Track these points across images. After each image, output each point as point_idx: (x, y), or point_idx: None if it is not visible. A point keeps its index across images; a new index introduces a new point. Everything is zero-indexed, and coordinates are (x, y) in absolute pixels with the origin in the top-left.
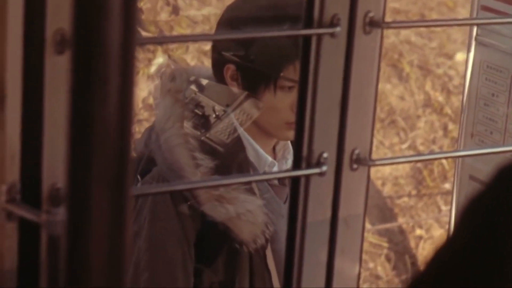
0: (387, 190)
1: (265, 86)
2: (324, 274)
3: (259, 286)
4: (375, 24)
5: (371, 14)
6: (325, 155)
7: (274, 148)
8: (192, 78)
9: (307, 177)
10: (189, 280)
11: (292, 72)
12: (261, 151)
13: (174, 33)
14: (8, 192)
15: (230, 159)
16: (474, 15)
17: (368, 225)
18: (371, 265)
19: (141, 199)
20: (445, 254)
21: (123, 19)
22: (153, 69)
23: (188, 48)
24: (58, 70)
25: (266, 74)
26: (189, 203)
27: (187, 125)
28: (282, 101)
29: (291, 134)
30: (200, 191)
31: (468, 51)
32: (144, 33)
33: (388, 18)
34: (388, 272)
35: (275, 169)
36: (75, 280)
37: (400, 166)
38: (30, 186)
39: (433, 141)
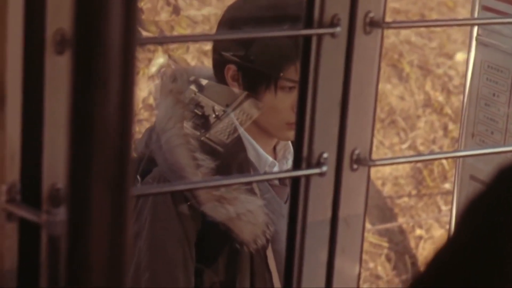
0: (387, 190)
1: (265, 86)
2: (324, 274)
3: (259, 286)
4: (375, 24)
5: (371, 14)
6: (325, 155)
7: (274, 148)
8: (191, 78)
9: (307, 177)
10: (189, 280)
11: (293, 73)
12: (262, 151)
13: (175, 33)
14: (8, 192)
15: (231, 159)
16: (475, 15)
17: (368, 225)
18: (371, 265)
19: (141, 200)
20: (446, 254)
21: (124, 19)
22: (153, 69)
23: (188, 48)
24: (58, 70)
25: (266, 74)
26: (189, 203)
27: (187, 125)
28: (283, 102)
29: (292, 134)
30: (200, 191)
31: (469, 51)
32: (144, 33)
33: (388, 18)
34: (388, 272)
35: (276, 169)
36: (75, 280)
37: (400, 166)
38: (30, 186)
39: (433, 141)
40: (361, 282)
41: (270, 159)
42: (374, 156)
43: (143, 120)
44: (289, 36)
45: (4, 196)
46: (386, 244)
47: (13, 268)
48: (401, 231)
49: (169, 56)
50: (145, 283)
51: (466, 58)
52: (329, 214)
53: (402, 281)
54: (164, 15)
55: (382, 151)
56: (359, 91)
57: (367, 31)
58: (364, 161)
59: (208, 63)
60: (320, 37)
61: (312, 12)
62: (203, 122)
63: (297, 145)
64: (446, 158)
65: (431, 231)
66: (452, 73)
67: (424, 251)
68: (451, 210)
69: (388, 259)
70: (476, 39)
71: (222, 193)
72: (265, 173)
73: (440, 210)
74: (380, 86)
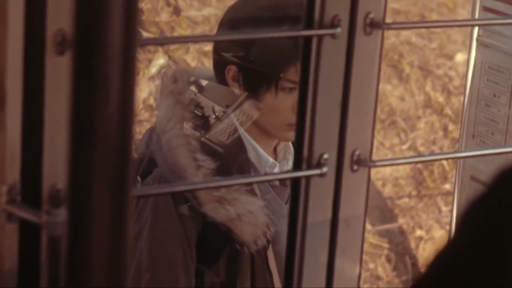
0: (387, 190)
1: (266, 87)
2: (325, 275)
3: (260, 287)
4: (375, 25)
5: (371, 15)
6: (325, 156)
7: (275, 149)
8: (192, 79)
9: (308, 178)
10: (190, 281)
11: (293, 74)
12: (262, 152)
13: (175, 33)
14: (9, 193)
15: (231, 160)
16: (476, 16)
17: (368, 226)
18: (371, 265)
19: (142, 200)
20: (447, 255)
21: (124, 20)
22: (153, 70)
23: (188, 49)
24: (58, 70)
25: (267, 75)
26: (190, 204)
27: (187, 126)
28: (284, 103)
29: (292, 135)
30: (201, 192)
31: (470, 52)
32: (144, 34)
33: (388, 19)
34: (389, 272)
35: (276, 169)
36: (75, 280)
37: (400, 167)
38: (30, 187)
39: (433, 142)
40: (361, 282)
41: (271, 159)
42: (374, 157)
43: (144, 121)
44: (289, 37)
45: (5, 197)
46: (386, 245)
47: (13, 268)
48: (401, 232)
49: (169, 57)
50: (146, 283)
51: (466, 59)
52: (329, 215)
53: (402, 281)
54: (164, 16)
55: (382, 152)
56: (360, 92)
57: (368, 32)
58: (364, 162)
59: (208, 64)
60: (320, 38)
61: (313, 13)
62: (203, 123)
63: (298, 146)
64: (446, 159)
65: (431, 232)
66: (452, 74)
67: (425, 252)
68: (451, 211)
69: (388, 259)
70: (477, 40)
71: (222, 194)
72: (266, 174)
73: (440, 211)
74: (380, 86)
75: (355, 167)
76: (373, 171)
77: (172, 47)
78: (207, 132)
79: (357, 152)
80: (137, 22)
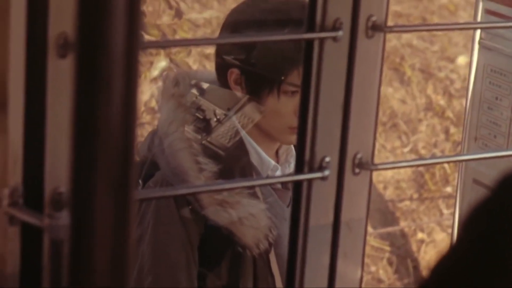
0: (389, 193)
1: (269, 90)
2: (327, 278)
3: None
4: (377, 28)
5: (373, 18)
6: (327, 159)
7: (277, 152)
8: (193, 82)
9: (310, 181)
10: (192, 284)
11: (296, 77)
12: (264, 155)
13: (176, 36)
14: (11, 196)
15: (233, 163)
16: (478, 19)
17: (370, 229)
18: (373, 268)
19: (144, 204)
20: (449, 260)
21: (127, 23)
22: (155, 72)
23: (190, 51)
24: (60, 73)
25: (269, 78)
26: (192, 207)
27: (188, 129)
28: (286, 106)
29: (294, 138)
30: (203, 195)
31: (472, 54)
32: (146, 36)
33: (389, 22)
34: (390, 275)
35: (278, 172)
36: (78, 283)
37: (402, 170)
38: (32, 190)
39: (435, 145)
40: (363, 285)
41: (273, 162)
42: (376, 159)
43: (145, 124)
44: (291, 40)
45: (7, 200)
46: (387, 248)
47: (15, 271)
48: (403, 234)
49: (171, 60)
50: (148, 286)
51: (467, 62)
52: (331, 218)
53: (404, 284)
54: (166, 18)
55: (383, 155)
56: (361, 94)
57: (369, 35)
58: (366, 165)
59: (209, 66)
60: (322, 41)
61: (314, 16)
62: (204, 126)
63: (299, 149)
64: (449, 162)
65: (432, 234)
66: (454, 77)
67: (426, 255)
68: (453, 213)
69: (390, 262)
70: (479, 43)
71: (224, 197)
72: (268, 177)
73: (441, 214)
74: (381, 89)
75: (357, 170)
76: (375, 174)
77: (174, 49)
78: (208, 135)
79: (359, 155)
80: (140, 25)
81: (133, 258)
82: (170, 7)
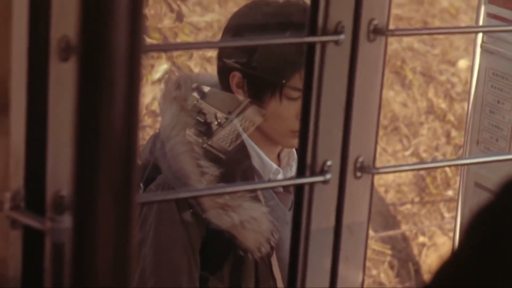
0: (390, 197)
1: (271, 94)
2: (328, 281)
3: None
4: (379, 31)
5: (375, 22)
6: (329, 163)
7: (278, 155)
8: (194, 85)
9: (311, 185)
10: None
11: (298, 81)
12: (266, 158)
13: (178, 39)
14: (12, 199)
15: (235, 167)
16: (480, 23)
17: (371, 232)
18: (374, 272)
19: (146, 207)
20: (451, 265)
21: (130, 27)
22: (156, 75)
23: (192, 55)
24: (62, 76)
25: (271, 82)
26: (194, 210)
27: (189, 133)
28: (288, 110)
29: (296, 142)
30: (205, 199)
31: (474, 58)
32: (147, 40)
33: (390, 25)
34: (391, 279)
35: (280, 176)
36: (80, 286)
37: (403, 173)
38: (34, 193)
39: (436, 148)
40: None
41: (275, 166)
42: (377, 163)
43: (147, 127)
44: (293, 44)
45: (8, 203)
46: (389, 251)
47: (17, 275)
48: (404, 238)
49: (173, 63)
50: None
51: (468, 65)
52: (332, 221)
53: None
54: (167, 22)
55: (385, 158)
56: (363, 98)
57: (371, 39)
58: (368, 169)
59: (211, 69)
60: (324, 44)
61: (316, 20)
62: (205, 129)
63: (301, 152)
64: (451, 166)
65: (434, 238)
66: (455, 80)
67: (427, 258)
68: (455, 217)
69: (391, 266)
70: (481, 46)
71: (226, 200)
72: (269, 180)
73: (443, 217)
74: (383, 93)
75: (359, 173)
76: (376, 177)
77: (176, 53)
78: (210, 138)
79: (360, 159)
80: (142, 28)
81: (135, 262)
82: (172, 10)
